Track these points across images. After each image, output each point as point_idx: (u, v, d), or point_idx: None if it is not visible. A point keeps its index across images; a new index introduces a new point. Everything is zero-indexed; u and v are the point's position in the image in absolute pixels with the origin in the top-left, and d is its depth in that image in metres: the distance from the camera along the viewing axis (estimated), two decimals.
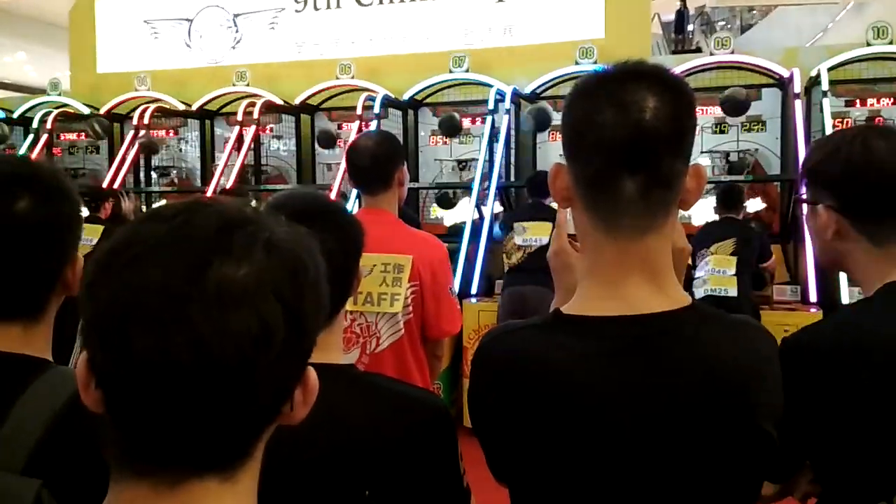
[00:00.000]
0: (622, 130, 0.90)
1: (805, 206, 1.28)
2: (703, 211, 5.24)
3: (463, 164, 6.60)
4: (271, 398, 0.64)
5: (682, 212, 1.03)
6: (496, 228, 5.63)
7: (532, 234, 4.82)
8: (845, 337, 1.16)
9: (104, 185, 6.66)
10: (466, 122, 6.63)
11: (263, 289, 0.60)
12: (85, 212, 5.34)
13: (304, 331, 0.64)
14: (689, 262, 1.49)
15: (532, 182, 5.14)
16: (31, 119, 7.45)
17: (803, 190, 1.29)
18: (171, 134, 7.59)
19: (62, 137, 7.72)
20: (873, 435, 1.09)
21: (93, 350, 0.61)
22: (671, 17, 14.26)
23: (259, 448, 0.66)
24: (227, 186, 6.07)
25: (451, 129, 6.11)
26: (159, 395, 0.59)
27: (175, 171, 7.59)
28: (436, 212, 6.60)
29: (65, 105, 7.66)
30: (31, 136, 7.33)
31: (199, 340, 0.57)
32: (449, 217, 6.49)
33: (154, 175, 7.47)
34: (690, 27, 14.88)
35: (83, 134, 7.41)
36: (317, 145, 6.78)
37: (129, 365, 0.58)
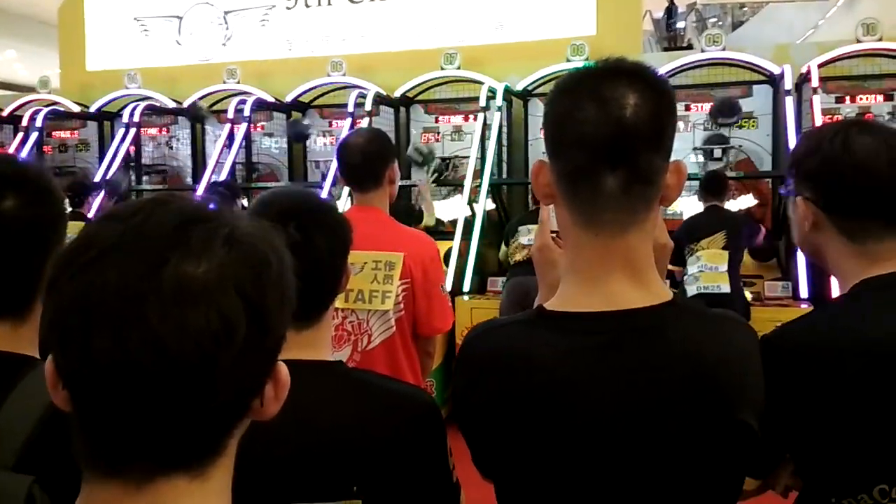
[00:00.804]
0: (603, 126, 0.91)
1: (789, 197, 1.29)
2: (693, 206, 5.22)
3: (447, 161, 6.60)
4: (236, 395, 0.63)
5: (670, 207, 1.03)
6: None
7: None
8: (824, 334, 1.16)
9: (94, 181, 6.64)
10: (459, 119, 6.64)
11: (224, 284, 0.60)
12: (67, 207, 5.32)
13: (268, 326, 0.64)
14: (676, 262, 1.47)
15: None
16: (21, 117, 7.41)
17: (789, 181, 1.28)
18: (161, 132, 7.56)
19: (53, 136, 7.69)
20: (853, 429, 1.10)
21: (55, 350, 0.61)
22: (662, 14, 14.28)
23: (231, 445, 0.66)
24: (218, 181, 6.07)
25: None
26: (121, 395, 0.59)
27: (166, 169, 7.57)
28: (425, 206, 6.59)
29: (54, 103, 7.62)
30: (20, 134, 7.29)
31: (156, 339, 0.57)
32: (441, 214, 6.49)
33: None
34: (682, 24, 14.91)
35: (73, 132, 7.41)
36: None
37: (90, 365, 0.58)
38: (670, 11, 13.64)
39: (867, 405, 1.09)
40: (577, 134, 0.92)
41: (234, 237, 0.62)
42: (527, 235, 4.95)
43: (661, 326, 0.95)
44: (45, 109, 7.31)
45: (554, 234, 1.12)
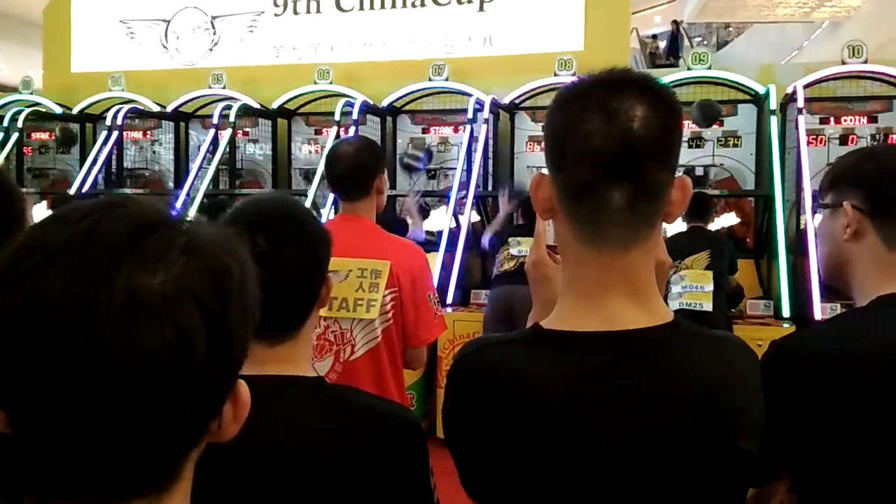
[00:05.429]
0: (610, 139, 0.88)
1: (821, 214, 1.31)
2: (676, 224, 5.26)
3: (432, 173, 6.59)
4: (193, 416, 0.59)
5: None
6: (484, 241, 5.52)
7: (526, 246, 4.85)
8: (836, 346, 1.15)
9: (74, 185, 6.56)
10: (446, 131, 6.63)
11: (181, 296, 0.55)
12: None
13: (230, 342, 0.59)
14: None
15: (526, 200, 5.15)
16: (2, 118, 7.31)
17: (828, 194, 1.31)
18: (145, 136, 7.49)
19: (33, 137, 7.59)
20: (856, 447, 1.09)
21: None
22: (649, 31, 14.42)
23: (187, 469, 0.61)
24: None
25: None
26: (65, 416, 0.54)
27: (148, 174, 7.49)
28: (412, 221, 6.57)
29: (36, 104, 7.54)
30: (0, 135, 7.19)
31: (106, 355, 0.52)
32: (426, 224, 6.46)
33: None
34: (664, 43, 15.08)
35: (52, 134, 7.34)
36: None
37: (32, 382, 0.53)
38: (676, 37, 13.80)
39: (873, 421, 1.07)
40: (582, 146, 0.89)
41: (193, 245, 0.57)
42: (517, 247, 4.93)
43: (661, 349, 0.92)
44: (27, 110, 7.23)
45: (550, 248, 1.09)
